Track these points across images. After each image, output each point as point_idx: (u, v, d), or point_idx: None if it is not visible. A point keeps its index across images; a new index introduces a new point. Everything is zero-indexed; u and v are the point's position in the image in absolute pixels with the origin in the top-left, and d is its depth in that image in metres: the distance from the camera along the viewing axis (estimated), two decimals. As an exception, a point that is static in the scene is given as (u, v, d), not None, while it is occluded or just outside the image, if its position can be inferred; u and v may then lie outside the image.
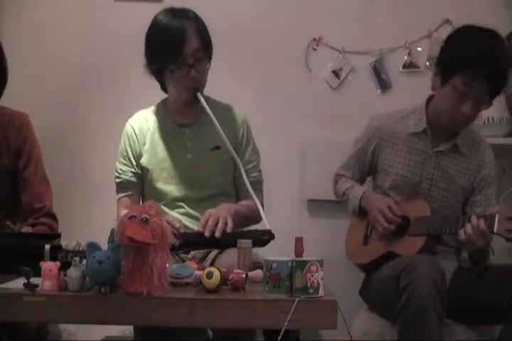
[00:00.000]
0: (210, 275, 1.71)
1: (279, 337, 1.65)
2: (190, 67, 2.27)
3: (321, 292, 1.67)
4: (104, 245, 1.72)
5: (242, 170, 2.31)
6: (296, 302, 1.64)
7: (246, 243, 1.90)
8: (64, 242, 1.90)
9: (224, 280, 1.73)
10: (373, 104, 2.98)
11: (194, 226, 2.28)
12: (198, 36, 2.28)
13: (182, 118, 2.41)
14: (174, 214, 2.33)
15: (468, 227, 2.13)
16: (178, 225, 2.10)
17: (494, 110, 2.77)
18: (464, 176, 2.44)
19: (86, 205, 3.01)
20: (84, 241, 1.78)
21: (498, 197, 2.51)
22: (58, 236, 1.98)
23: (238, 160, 2.31)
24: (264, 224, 2.16)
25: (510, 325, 2.13)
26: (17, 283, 1.73)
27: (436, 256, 2.36)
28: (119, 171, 2.41)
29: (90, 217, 2.96)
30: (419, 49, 3.02)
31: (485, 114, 2.76)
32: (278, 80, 3.05)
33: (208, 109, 2.27)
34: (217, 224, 2.05)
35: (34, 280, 1.69)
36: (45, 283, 1.70)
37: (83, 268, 1.70)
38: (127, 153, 2.40)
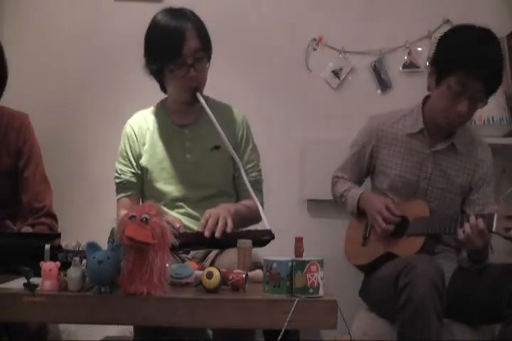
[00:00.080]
0: (210, 276, 1.71)
1: (279, 337, 1.65)
2: (190, 67, 2.27)
3: (321, 292, 1.67)
4: (104, 245, 1.72)
5: (242, 170, 2.31)
6: (296, 302, 1.64)
7: (246, 243, 1.90)
8: (64, 242, 1.90)
9: (224, 280, 1.73)
10: (373, 104, 2.98)
11: (194, 226, 2.28)
12: (197, 36, 2.28)
13: (181, 119, 2.41)
14: (174, 214, 2.32)
15: (467, 227, 2.13)
16: (178, 225, 2.10)
17: (494, 110, 2.77)
18: (462, 175, 2.44)
19: (86, 205, 3.01)
20: (84, 241, 1.78)
21: (498, 197, 2.52)
22: (58, 236, 1.98)
23: (238, 160, 2.31)
24: (264, 224, 2.15)
25: (509, 324, 2.13)
26: (17, 283, 1.73)
27: (435, 255, 2.35)
28: (119, 171, 2.41)
29: (90, 217, 2.96)
30: (419, 49, 3.02)
31: (485, 114, 2.77)
32: (278, 80, 3.05)
33: (208, 109, 2.27)
34: (217, 224, 2.05)
35: (34, 280, 1.69)
36: (45, 283, 1.70)
37: (83, 268, 1.69)
38: (127, 154, 2.40)
